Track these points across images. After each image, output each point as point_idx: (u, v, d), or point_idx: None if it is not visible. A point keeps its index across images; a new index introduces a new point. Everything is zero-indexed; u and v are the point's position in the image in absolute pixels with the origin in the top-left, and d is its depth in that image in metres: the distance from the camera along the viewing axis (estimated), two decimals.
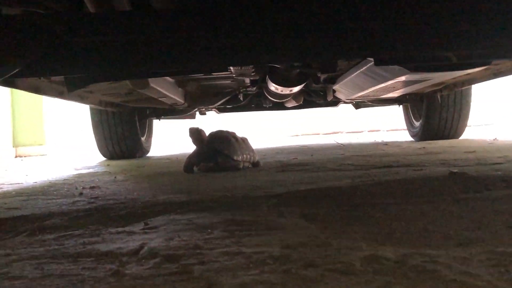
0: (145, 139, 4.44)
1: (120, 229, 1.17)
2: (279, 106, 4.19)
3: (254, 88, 3.39)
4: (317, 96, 3.80)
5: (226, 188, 1.84)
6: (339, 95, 3.56)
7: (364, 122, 8.28)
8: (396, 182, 1.70)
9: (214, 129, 2.71)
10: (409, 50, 1.26)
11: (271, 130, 8.58)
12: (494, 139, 4.03)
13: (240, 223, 1.15)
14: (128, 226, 1.20)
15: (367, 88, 2.85)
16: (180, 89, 3.16)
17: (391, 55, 1.34)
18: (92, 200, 1.69)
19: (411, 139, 4.68)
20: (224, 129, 2.74)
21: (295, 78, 2.66)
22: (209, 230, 1.10)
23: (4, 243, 1.08)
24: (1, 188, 2.30)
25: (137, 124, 4.13)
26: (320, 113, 7.64)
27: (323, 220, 1.16)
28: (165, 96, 2.82)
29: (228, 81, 3.10)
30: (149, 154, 4.52)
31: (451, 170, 1.88)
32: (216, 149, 2.56)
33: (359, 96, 3.33)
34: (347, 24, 1.23)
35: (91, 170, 3.12)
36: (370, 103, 4.24)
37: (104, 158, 4.23)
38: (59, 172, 3.11)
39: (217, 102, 3.55)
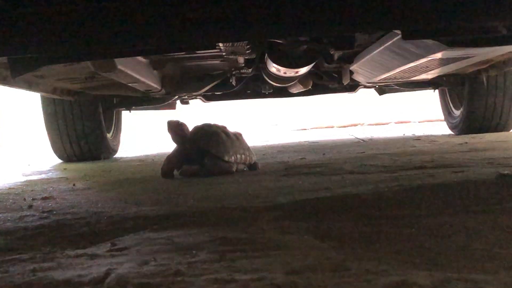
0: (112, 136, 4.45)
1: (80, 252, 1.17)
2: (282, 92, 4.21)
3: (250, 70, 3.39)
4: (330, 79, 3.80)
5: (215, 197, 1.85)
6: (358, 77, 3.56)
7: (390, 111, 8.30)
8: (431, 187, 1.71)
9: (200, 123, 2.72)
10: (446, 20, 1.26)
11: (272, 123, 8.58)
12: None
13: (233, 242, 1.16)
14: (91, 248, 1.21)
15: (393, 68, 2.86)
16: (156, 72, 3.15)
17: (423, 26, 1.34)
18: (45, 214, 1.69)
19: (449, 132, 4.71)
20: (212, 122, 2.75)
21: (302, 57, 2.66)
22: (193, 252, 1.10)
23: None
24: None
25: (102, 117, 4.13)
26: (334, 100, 7.65)
27: (339, 237, 1.17)
28: (137, 81, 2.82)
29: (217, 61, 3.10)
30: (117, 155, 4.53)
31: (500, 171, 1.89)
32: (202, 148, 2.57)
33: (383, 79, 3.33)
34: None
35: (43, 176, 3.12)
36: (397, 87, 4.25)
37: (60, 161, 4.24)
38: (2, 179, 3.10)
39: (203, 88, 3.56)
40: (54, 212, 1.72)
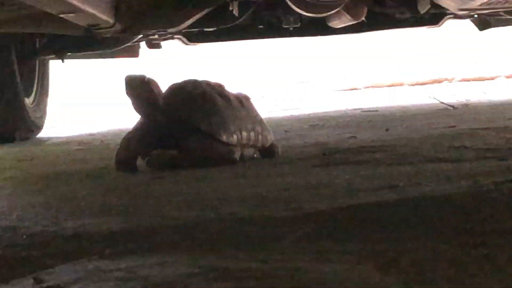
0: (34, 102, 4.40)
1: None
2: (317, 27, 4.01)
3: None
4: (396, 4, 3.60)
5: (207, 202, 1.87)
6: (443, 1, 3.33)
7: (498, 58, 7.99)
8: None
9: (180, 79, 2.64)
10: None
11: (300, 80, 8.34)
12: None
13: (237, 275, 1.15)
14: (2, 286, 1.23)
15: None
16: None
17: None
18: None
19: None
20: (200, 78, 2.66)
21: None
22: None
23: None
24: None
25: (16, 70, 4.04)
26: (404, 41, 7.33)
27: (412, 267, 1.15)
28: (74, 9, 2.65)
29: None
30: (41, 134, 4.49)
31: None
32: (184, 121, 2.48)
33: (486, 2, 3.11)
34: None
35: None
36: (509, 16, 3.99)
37: None
38: None
39: (184, 21, 3.38)
40: None
